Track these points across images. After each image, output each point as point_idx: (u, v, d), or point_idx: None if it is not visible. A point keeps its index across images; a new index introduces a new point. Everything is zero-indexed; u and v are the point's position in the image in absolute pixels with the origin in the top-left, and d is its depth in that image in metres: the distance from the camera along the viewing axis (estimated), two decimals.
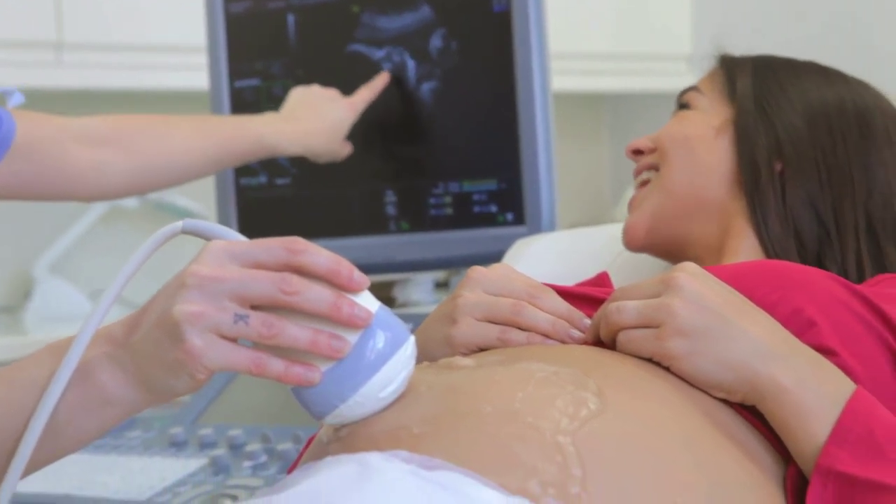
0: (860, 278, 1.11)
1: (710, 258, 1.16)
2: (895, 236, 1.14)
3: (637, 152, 1.22)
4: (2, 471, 0.80)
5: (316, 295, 0.75)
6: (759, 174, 1.14)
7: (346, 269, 0.76)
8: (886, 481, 0.80)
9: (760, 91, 1.18)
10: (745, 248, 1.15)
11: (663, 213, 1.18)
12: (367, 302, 0.78)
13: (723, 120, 1.18)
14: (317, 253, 0.76)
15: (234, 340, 0.75)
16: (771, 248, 1.13)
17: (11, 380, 0.80)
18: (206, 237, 0.80)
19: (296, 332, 0.75)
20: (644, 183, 1.21)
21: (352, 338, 0.76)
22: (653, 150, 1.21)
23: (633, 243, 1.20)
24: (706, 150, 1.17)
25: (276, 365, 0.75)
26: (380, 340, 0.77)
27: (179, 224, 0.80)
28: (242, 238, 0.79)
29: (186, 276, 0.75)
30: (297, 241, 0.76)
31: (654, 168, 1.20)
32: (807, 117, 1.16)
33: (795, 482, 0.85)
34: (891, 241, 1.14)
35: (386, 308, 0.79)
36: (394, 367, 0.78)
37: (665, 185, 1.18)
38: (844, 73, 1.22)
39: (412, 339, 0.80)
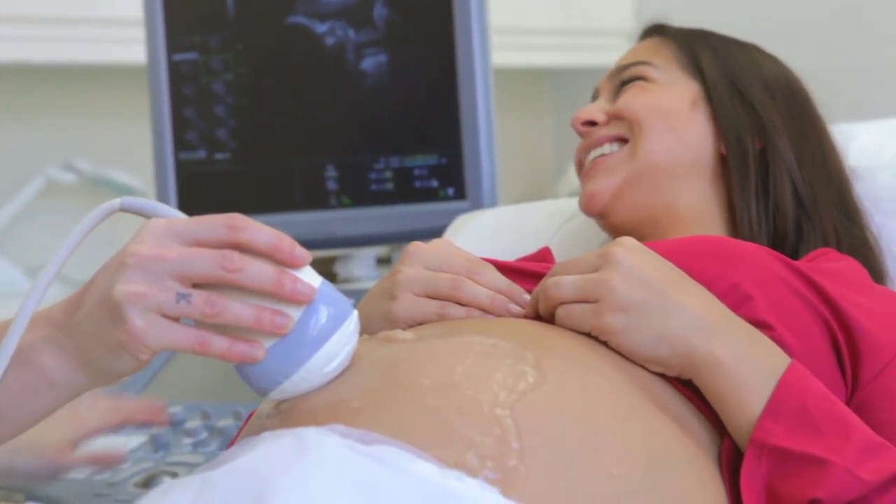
0: (840, 250, 1.12)
1: (669, 234, 1.14)
2: (846, 211, 1.16)
3: (591, 123, 1.18)
4: None
5: (258, 271, 0.74)
6: (746, 153, 1.13)
7: (287, 244, 0.75)
8: (819, 454, 0.81)
9: (726, 66, 1.17)
10: (712, 229, 1.14)
11: (635, 181, 1.13)
12: (310, 277, 0.77)
13: (692, 95, 1.16)
14: (258, 229, 0.75)
15: (176, 319, 0.75)
16: (747, 229, 1.12)
17: None
18: (144, 215, 0.79)
19: (239, 309, 0.74)
20: (602, 155, 1.17)
21: (295, 314, 0.76)
22: (607, 122, 1.17)
23: (594, 205, 1.14)
24: (685, 125, 1.14)
25: (220, 343, 0.75)
26: (323, 315, 0.77)
27: (117, 202, 0.79)
28: (182, 215, 0.78)
29: (126, 256, 0.74)
30: (238, 218, 0.75)
31: (620, 139, 1.16)
32: (769, 93, 1.16)
33: (730, 456, 0.86)
34: (847, 214, 1.16)
35: (328, 283, 0.79)
36: (338, 342, 0.78)
37: (641, 155, 1.13)
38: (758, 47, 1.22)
39: (355, 313, 0.79)
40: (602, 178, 1.15)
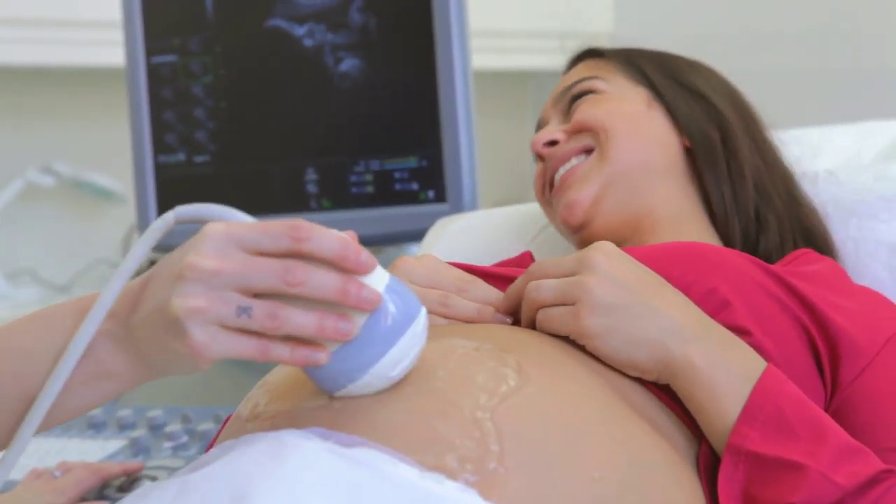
0: (794, 246, 1.13)
1: (655, 235, 1.14)
2: (794, 197, 1.18)
3: (551, 143, 1.18)
4: None
5: (321, 282, 0.72)
6: (709, 140, 1.14)
7: (353, 253, 0.73)
8: (795, 459, 0.81)
9: (668, 70, 1.19)
10: (695, 230, 1.14)
11: (610, 188, 1.13)
12: (377, 279, 0.75)
13: (645, 98, 1.17)
14: (322, 237, 0.72)
15: (237, 329, 0.73)
16: (723, 217, 1.14)
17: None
18: (203, 222, 0.76)
19: (300, 319, 0.72)
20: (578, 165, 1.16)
21: (360, 318, 0.74)
22: (568, 139, 1.17)
23: (576, 215, 1.13)
24: (646, 124, 1.15)
25: (282, 350, 0.73)
26: (389, 319, 0.75)
27: (171, 215, 0.77)
28: (243, 217, 0.76)
29: (185, 269, 0.72)
30: (301, 227, 0.73)
31: (586, 150, 1.16)
32: (712, 90, 1.18)
33: (708, 461, 0.86)
34: (802, 209, 1.18)
35: (398, 281, 0.77)
36: (405, 345, 0.76)
37: (613, 156, 1.13)
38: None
39: (423, 312, 0.77)
40: (578, 188, 1.14)
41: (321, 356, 0.74)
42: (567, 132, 1.17)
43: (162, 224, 0.77)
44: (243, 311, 0.72)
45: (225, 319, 0.72)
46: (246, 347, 0.73)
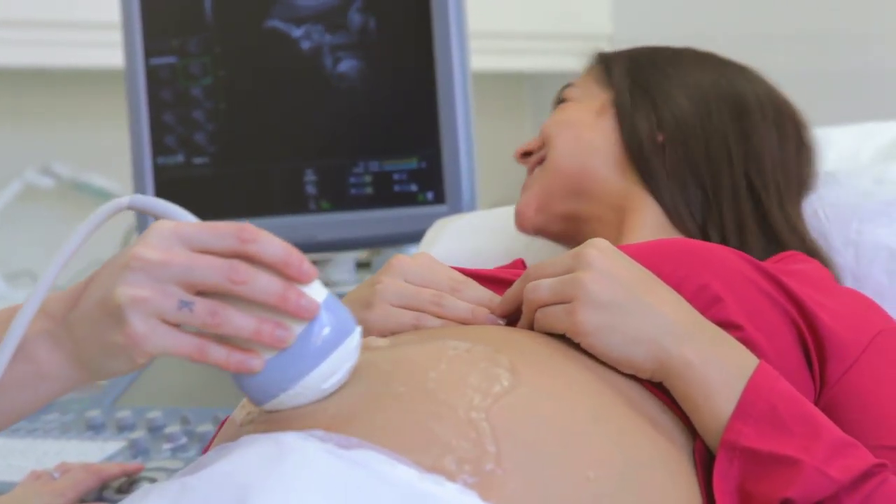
0: (742, 241, 1.14)
1: (608, 234, 1.18)
2: (779, 199, 1.17)
3: (526, 154, 1.26)
4: None
5: (264, 285, 0.73)
6: (641, 144, 1.17)
7: (296, 259, 0.74)
8: (789, 454, 0.82)
9: (637, 74, 1.22)
10: (648, 220, 1.17)
11: (551, 191, 1.20)
12: (316, 292, 0.76)
13: (601, 103, 1.21)
14: (268, 241, 0.74)
15: (176, 325, 0.74)
16: (672, 215, 1.16)
17: None
18: (153, 214, 0.78)
19: (240, 320, 0.73)
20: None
21: (297, 328, 0.75)
22: (540, 146, 1.24)
23: (525, 224, 1.23)
24: (588, 130, 1.20)
25: (218, 352, 0.74)
26: (325, 331, 0.76)
27: (126, 199, 0.78)
28: (192, 218, 0.77)
29: (131, 258, 0.73)
30: (249, 229, 0.74)
31: (542, 161, 1.23)
32: (683, 91, 1.20)
33: (703, 456, 0.86)
34: (775, 203, 1.17)
35: (334, 298, 0.78)
36: (338, 359, 0.77)
37: (550, 165, 1.21)
38: (722, 57, 1.25)
39: (358, 330, 0.79)
40: (522, 197, 1.23)
41: (256, 362, 0.75)
42: (538, 142, 1.25)
43: (115, 206, 0.78)
44: (185, 304, 0.73)
45: (166, 312, 0.73)
46: (184, 344, 0.74)
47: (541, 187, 1.21)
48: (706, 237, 1.15)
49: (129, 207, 0.78)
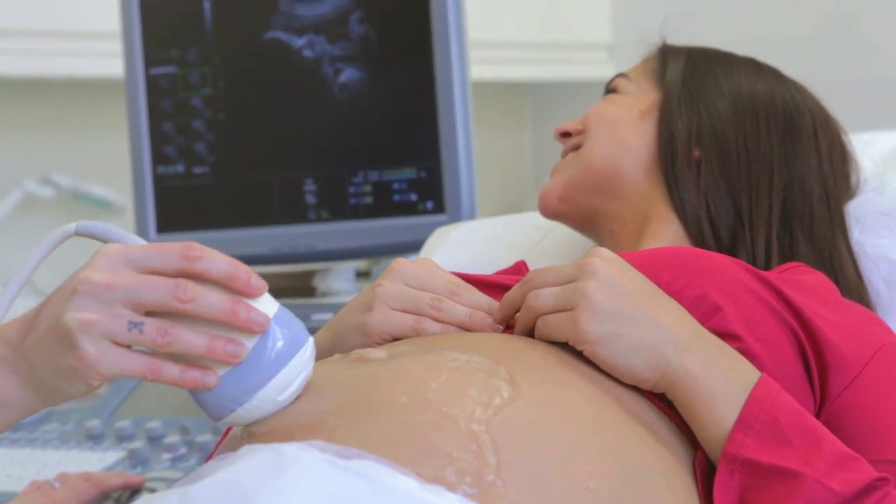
0: (767, 266, 1.13)
1: (627, 236, 1.18)
2: (811, 229, 1.16)
3: (565, 134, 1.25)
4: None
5: (212, 301, 0.74)
6: (675, 156, 1.16)
7: (243, 274, 0.75)
8: (791, 466, 0.81)
9: (690, 77, 1.20)
10: (669, 231, 1.16)
11: (578, 183, 1.20)
12: (266, 305, 0.77)
13: (649, 103, 1.20)
14: (214, 259, 0.75)
15: (128, 346, 0.75)
16: (692, 232, 1.15)
17: None
18: (100, 239, 0.79)
19: (191, 338, 0.74)
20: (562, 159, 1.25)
21: (249, 342, 0.76)
22: (580, 132, 1.23)
23: (546, 209, 1.23)
24: (628, 130, 1.19)
25: (172, 370, 0.75)
26: (277, 344, 0.77)
27: (73, 226, 0.79)
28: (140, 241, 0.78)
29: (78, 283, 0.74)
30: (194, 247, 0.75)
31: (578, 148, 1.23)
32: (734, 106, 1.18)
33: (704, 468, 0.86)
34: (805, 234, 1.16)
35: (285, 310, 0.79)
36: (292, 371, 0.78)
37: (583, 156, 1.20)
38: (780, 72, 1.24)
39: (311, 340, 0.79)
40: (551, 180, 1.23)
41: (211, 378, 0.75)
42: (581, 123, 1.24)
43: (62, 233, 0.79)
44: (134, 326, 0.73)
45: (116, 334, 0.73)
46: (136, 365, 0.74)
47: (569, 177, 1.21)
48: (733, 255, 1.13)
49: (77, 233, 0.79)
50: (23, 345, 0.77)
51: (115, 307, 0.73)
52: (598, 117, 1.21)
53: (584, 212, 1.21)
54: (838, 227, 1.18)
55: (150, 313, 0.74)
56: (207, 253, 0.75)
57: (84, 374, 0.74)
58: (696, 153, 1.17)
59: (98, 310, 0.73)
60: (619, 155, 1.19)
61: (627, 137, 1.19)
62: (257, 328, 0.75)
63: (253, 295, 0.76)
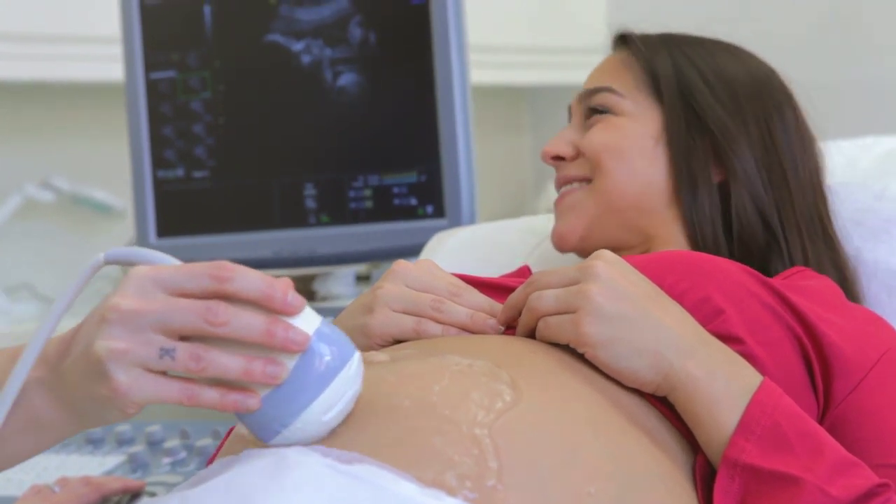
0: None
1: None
2: (823, 227, 1.16)
3: (558, 158, 1.20)
4: None
5: (245, 322, 0.71)
6: (696, 185, 1.13)
7: (279, 292, 0.72)
8: (792, 472, 0.81)
9: (685, 86, 1.16)
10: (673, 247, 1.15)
11: (601, 222, 1.16)
12: (306, 321, 0.74)
13: (657, 127, 1.16)
14: (245, 277, 0.72)
15: (162, 372, 0.72)
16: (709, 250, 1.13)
17: None
18: (130, 264, 0.76)
19: (226, 362, 0.71)
20: (571, 191, 1.19)
21: (290, 361, 0.72)
22: (575, 157, 1.18)
23: (565, 246, 1.18)
24: (645, 162, 1.15)
25: (210, 395, 0.72)
26: (320, 361, 0.73)
27: (101, 257, 0.76)
28: (171, 261, 0.75)
29: (107, 310, 0.71)
30: (225, 267, 0.72)
31: (584, 180, 1.17)
32: (735, 108, 1.15)
33: (704, 472, 0.86)
34: (819, 233, 1.16)
35: (329, 324, 0.76)
36: (337, 389, 0.74)
37: (601, 194, 1.15)
38: (738, 46, 1.22)
39: (357, 355, 0.76)
40: (569, 218, 1.17)
41: (252, 401, 0.72)
42: (575, 148, 1.19)
43: (93, 266, 0.76)
44: (166, 352, 0.71)
45: (147, 362, 0.71)
46: (171, 391, 0.72)
47: (591, 216, 1.16)
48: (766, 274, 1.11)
49: (106, 262, 0.76)
50: (60, 368, 0.75)
51: (146, 333, 0.71)
52: (609, 150, 1.15)
53: (601, 245, 1.12)
54: (828, 217, 1.18)
55: (184, 337, 0.72)
56: (239, 272, 0.72)
57: (118, 403, 0.72)
58: (717, 178, 1.14)
59: (128, 338, 0.71)
60: (640, 190, 1.14)
61: (646, 170, 1.15)
62: (296, 347, 0.72)
63: (291, 313, 0.72)
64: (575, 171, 1.18)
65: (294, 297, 0.72)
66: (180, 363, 0.71)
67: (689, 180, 1.14)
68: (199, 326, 0.71)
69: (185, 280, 0.72)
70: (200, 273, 0.72)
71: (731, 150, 1.13)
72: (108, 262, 0.77)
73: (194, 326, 0.71)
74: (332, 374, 0.74)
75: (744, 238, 1.13)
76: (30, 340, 0.76)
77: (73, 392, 0.75)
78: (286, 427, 0.74)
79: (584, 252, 1.17)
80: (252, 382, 0.72)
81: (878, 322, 1.03)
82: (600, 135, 1.16)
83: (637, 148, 1.15)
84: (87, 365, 0.72)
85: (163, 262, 0.75)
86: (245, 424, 0.76)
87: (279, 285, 0.72)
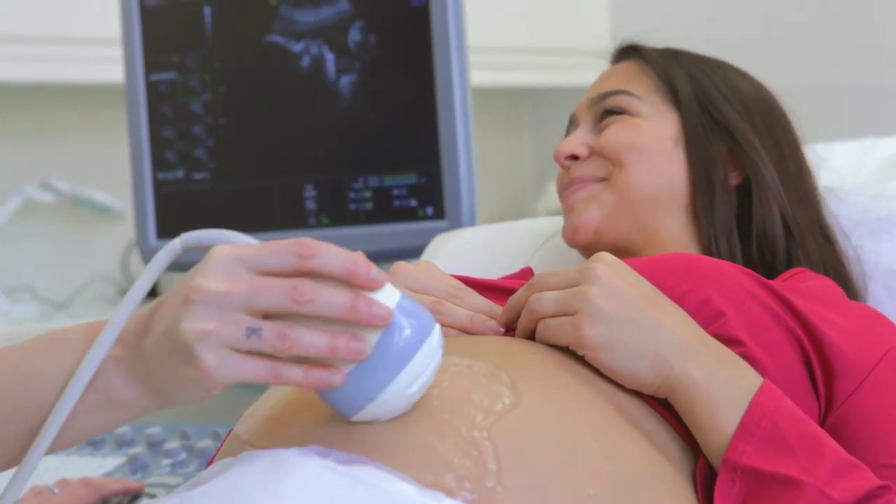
0: (825, 272, 1.13)
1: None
2: (823, 232, 1.17)
3: (572, 157, 1.19)
4: (2, 456, 0.78)
5: (331, 299, 0.71)
6: (714, 188, 1.14)
7: (362, 268, 0.72)
8: (792, 474, 0.81)
9: (703, 94, 1.17)
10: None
11: (616, 218, 1.16)
12: (388, 296, 0.74)
13: (675, 129, 1.16)
14: (329, 254, 0.72)
15: (247, 352, 0.72)
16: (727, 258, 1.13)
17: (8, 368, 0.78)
18: (209, 247, 0.75)
19: (312, 339, 0.71)
20: (585, 186, 1.18)
21: (373, 336, 0.73)
22: (589, 157, 1.18)
23: (578, 240, 1.17)
24: (665, 161, 1.15)
25: (295, 372, 0.72)
26: (403, 335, 0.74)
27: (178, 242, 0.76)
28: (249, 240, 0.75)
29: (192, 291, 0.71)
30: (308, 245, 0.72)
31: (599, 180, 1.17)
32: (747, 118, 1.16)
33: (705, 475, 0.86)
34: (821, 237, 1.17)
35: (409, 298, 0.76)
36: (420, 362, 0.75)
37: (622, 190, 1.15)
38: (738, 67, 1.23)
39: (437, 328, 0.76)
40: (584, 211, 1.16)
41: (336, 377, 0.73)
42: (591, 149, 1.18)
43: (169, 251, 0.76)
44: (253, 332, 0.71)
45: (235, 342, 0.71)
46: (257, 370, 0.72)
47: (608, 210, 1.15)
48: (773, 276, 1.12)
49: (183, 248, 0.76)
50: (139, 348, 0.75)
51: (232, 314, 0.71)
52: (630, 146, 1.15)
53: (611, 245, 1.16)
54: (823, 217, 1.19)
55: (267, 315, 0.72)
56: (322, 248, 0.72)
57: (204, 383, 0.72)
58: (734, 180, 1.15)
59: (214, 318, 0.71)
60: (658, 187, 1.14)
61: (665, 169, 1.15)
62: (381, 322, 0.72)
63: (374, 287, 0.73)
64: (589, 170, 1.18)
65: (377, 273, 0.73)
66: (267, 342, 0.71)
67: (708, 183, 1.14)
68: (285, 305, 0.71)
69: (269, 258, 0.72)
70: (284, 251, 0.72)
71: (752, 154, 1.14)
72: (185, 248, 0.76)
73: (281, 305, 0.71)
74: (415, 347, 0.74)
75: (765, 241, 1.13)
76: (110, 320, 0.76)
77: (154, 372, 0.75)
78: (371, 402, 0.74)
79: (594, 248, 1.16)
80: (336, 359, 0.72)
81: (880, 319, 1.03)
82: (620, 133, 1.17)
83: (657, 148, 1.15)
84: (171, 345, 0.72)
85: (241, 241, 0.75)
86: (328, 401, 0.76)
87: (362, 261, 0.72)
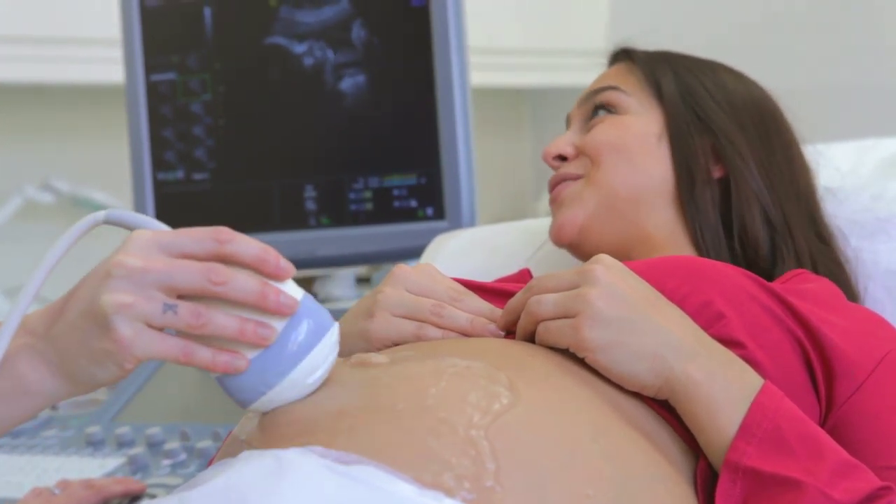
0: (815, 271, 1.13)
1: (641, 256, 1.15)
2: (818, 232, 1.17)
3: (560, 158, 1.20)
4: None
5: (243, 284, 0.75)
6: (694, 181, 1.14)
7: (273, 257, 0.77)
8: (793, 475, 0.81)
9: (688, 92, 1.18)
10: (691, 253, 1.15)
11: (599, 216, 1.16)
12: (293, 290, 0.78)
13: (660, 125, 1.17)
14: (244, 241, 0.76)
15: (161, 330, 0.75)
16: (712, 255, 1.13)
17: None
18: (129, 227, 0.80)
19: (223, 321, 0.75)
20: (567, 185, 1.19)
21: (278, 325, 0.77)
22: (575, 157, 1.19)
23: (562, 239, 1.18)
24: (648, 158, 1.16)
25: (204, 353, 0.76)
26: (305, 328, 0.78)
27: (102, 214, 0.80)
28: (167, 228, 0.79)
29: (112, 266, 0.75)
30: (224, 231, 0.77)
31: (581, 178, 1.18)
32: (733, 115, 1.17)
33: (705, 476, 0.86)
34: (815, 237, 1.16)
35: (310, 296, 0.80)
36: (320, 354, 0.79)
37: (603, 187, 1.16)
38: (734, 69, 1.23)
39: (336, 325, 0.80)
40: (567, 210, 1.17)
41: (241, 362, 0.76)
42: (577, 148, 1.19)
43: (92, 220, 0.79)
44: (169, 308, 0.74)
45: (151, 316, 0.74)
46: (170, 347, 0.75)
47: (589, 208, 1.16)
48: (769, 277, 1.11)
49: (106, 221, 0.80)
50: (50, 333, 0.78)
51: (150, 290, 0.74)
52: (610, 146, 1.16)
53: (596, 245, 1.15)
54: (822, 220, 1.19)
55: (181, 297, 0.75)
56: (237, 236, 0.76)
57: (119, 356, 0.75)
58: (717, 173, 1.15)
59: (133, 292, 0.74)
60: (639, 184, 1.15)
61: (647, 166, 1.15)
62: (287, 310, 0.76)
63: (282, 277, 0.77)
64: (572, 169, 1.19)
65: (285, 264, 0.77)
66: (182, 319, 0.75)
67: (689, 176, 1.14)
68: (201, 285, 0.75)
69: (187, 242, 0.76)
70: (201, 236, 0.76)
71: (731, 149, 1.14)
72: (107, 222, 0.80)
73: (196, 284, 0.75)
74: (315, 340, 0.78)
75: (745, 236, 1.13)
76: (14, 303, 0.78)
77: (67, 354, 0.77)
78: (270, 388, 0.78)
79: (583, 247, 1.17)
80: (243, 342, 0.76)
81: (879, 322, 1.03)
82: (603, 132, 1.18)
83: (640, 145, 1.16)
84: (89, 320, 0.75)
85: (160, 228, 0.79)
86: (227, 388, 0.79)
87: (272, 252, 0.77)
